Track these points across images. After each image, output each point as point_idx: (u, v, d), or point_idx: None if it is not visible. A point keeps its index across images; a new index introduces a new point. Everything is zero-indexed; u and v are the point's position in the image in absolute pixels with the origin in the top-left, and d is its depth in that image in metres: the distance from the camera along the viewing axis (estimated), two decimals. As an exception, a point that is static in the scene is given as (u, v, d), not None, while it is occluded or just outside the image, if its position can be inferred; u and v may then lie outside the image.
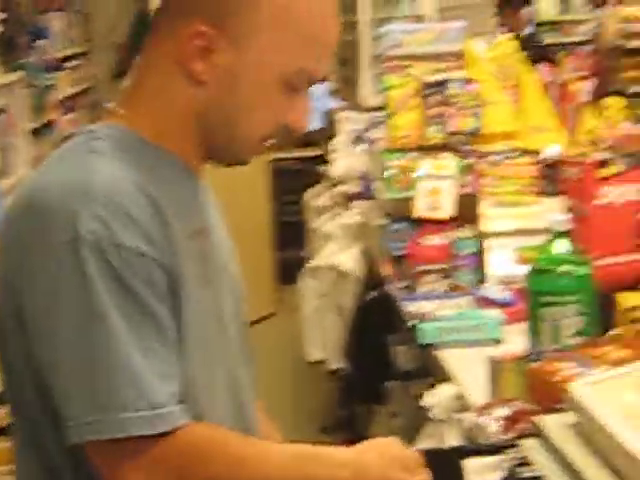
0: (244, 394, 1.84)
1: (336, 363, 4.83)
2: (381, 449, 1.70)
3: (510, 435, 2.04)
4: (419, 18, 6.00)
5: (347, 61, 6.54)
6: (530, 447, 1.90)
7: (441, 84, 3.84)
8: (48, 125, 5.89)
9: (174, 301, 1.59)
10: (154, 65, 1.68)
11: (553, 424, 1.91)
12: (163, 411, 1.52)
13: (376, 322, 3.96)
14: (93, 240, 1.50)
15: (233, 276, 1.84)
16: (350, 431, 5.16)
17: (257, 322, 6.26)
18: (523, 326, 2.47)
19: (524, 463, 1.85)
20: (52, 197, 1.55)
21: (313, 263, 5.21)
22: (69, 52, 6.96)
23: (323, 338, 5.01)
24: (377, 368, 3.93)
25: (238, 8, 1.61)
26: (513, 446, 1.93)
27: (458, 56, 4.17)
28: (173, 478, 1.55)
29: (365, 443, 1.72)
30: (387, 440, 1.74)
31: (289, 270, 6.64)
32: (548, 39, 10.01)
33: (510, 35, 4.88)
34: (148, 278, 1.54)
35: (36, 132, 5.51)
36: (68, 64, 6.88)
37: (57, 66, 6.39)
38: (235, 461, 1.60)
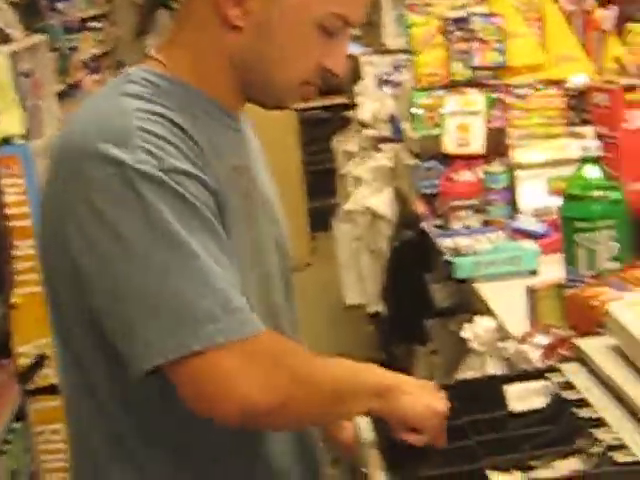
0: (285, 327, 1.87)
1: (374, 306, 4.85)
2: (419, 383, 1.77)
3: (551, 361, 2.05)
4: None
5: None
6: (572, 371, 1.91)
7: (463, 20, 3.83)
8: (74, 87, 5.88)
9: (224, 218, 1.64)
10: (192, 13, 1.71)
11: (593, 347, 1.92)
12: (247, 317, 1.57)
13: (412, 261, 3.96)
14: (143, 170, 1.53)
15: (276, 215, 1.87)
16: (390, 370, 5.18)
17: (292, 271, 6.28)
18: (558, 257, 2.48)
19: (567, 387, 1.86)
20: (91, 139, 1.58)
21: (346, 207, 5.20)
22: (90, 13, 6.94)
23: (360, 281, 5.02)
24: (415, 307, 3.94)
25: None
26: (555, 371, 1.94)
27: (481, -9, 4.16)
28: (262, 377, 1.56)
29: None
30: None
31: (322, 218, 6.65)
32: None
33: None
34: (201, 196, 1.58)
35: (62, 94, 5.49)
36: (90, 25, 6.86)
37: (79, 27, 6.37)
38: (307, 360, 1.68)
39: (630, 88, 2.61)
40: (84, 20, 6.57)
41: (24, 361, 3.61)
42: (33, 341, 3.68)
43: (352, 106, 5.93)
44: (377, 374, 1.75)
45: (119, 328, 1.57)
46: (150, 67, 1.72)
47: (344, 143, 5.93)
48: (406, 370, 4.54)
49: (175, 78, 1.70)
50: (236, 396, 1.54)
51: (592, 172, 2.29)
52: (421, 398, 1.70)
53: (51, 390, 3.75)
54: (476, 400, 1.86)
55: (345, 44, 1.73)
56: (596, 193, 2.28)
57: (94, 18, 7.00)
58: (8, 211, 3.52)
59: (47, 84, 5.04)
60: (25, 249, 3.66)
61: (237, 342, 1.53)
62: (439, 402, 1.71)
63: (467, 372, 2.60)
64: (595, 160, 2.30)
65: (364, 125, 5.40)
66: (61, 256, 1.62)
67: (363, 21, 1.79)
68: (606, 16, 3.86)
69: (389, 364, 5.29)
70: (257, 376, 1.55)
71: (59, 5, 5.97)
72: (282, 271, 1.88)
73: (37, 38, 4.96)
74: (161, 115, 1.60)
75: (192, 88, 1.71)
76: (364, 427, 1.77)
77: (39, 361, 3.73)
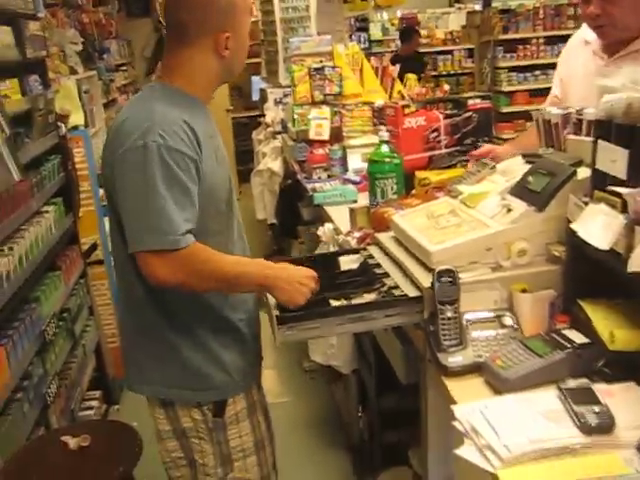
0: (244, 237, 1.86)
1: (272, 219, 4.84)
2: (291, 267, 1.69)
3: (362, 245, 2.06)
4: (308, 35, 5.84)
5: (271, 61, 6.39)
6: (373, 249, 1.93)
7: (320, 69, 3.79)
8: (111, 101, 5.71)
9: (198, 175, 1.61)
10: (196, 52, 1.68)
11: (384, 237, 1.93)
12: (184, 237, 1.54)
13: (291, 196, 3.96)
14: (155, 145, 1.53)
15: (228, 164, 1.83)
16: (280, 254, 5.20)
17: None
18: (366, 193, 2.47)
19: (370, 257, 1.88)
20: (132, 124, 1.58)
21: (257, 169, 5.16)
22: (121, 61, 6.70)
23: (264, 207, 5.00)
24: (293, 220, 3.94)
25: (232, 15, 1.66)
26: (364, 250, 1.95)
27: (329, 54, 4.13)
28: (183, 270, 1.56)
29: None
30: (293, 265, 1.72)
31: (245, 175, 6.59)
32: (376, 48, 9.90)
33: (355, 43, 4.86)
34: (186, 167, 1.57)
35: (105, 105, 5.34)
36: (121, 67, 6.64)
37: (115, 68, 6.17)
38: (216, 257, 1.62)
39: (405, 106, 2.62)
40: (117, 65, 6.34)
41: (85, 246, 3.54)
42: (89, 235, 3.63)
43: (262, 115, 5.86)
44: (261, 268, 1.67)
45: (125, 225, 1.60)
46: (165, 82, 1.70)
47: (257, 134, 5.86)
48: (288, 252, 4.61)
49: (180, 89, 1.68)
50: (157, 276, 1.55)
51: (385, 148, 2.30)
52: (287, 292, 1.61)
53: (99, 262, 3.71)
54: (324, 265, 1.87)
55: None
56: (387, 159, 2.28)
57: (123, 64, 6.77)
58: (76, 166, 3.44)
59: (97, 98, 4.91)
60: (85, 186, 3.59)
61: (167, 251, 1.53)
62: (300, 293, 1.62)
63: (319, 251, 2.61)
64: (386, 142, 2.30)
65: (268, 125, 5.35)
66: (112, 185, 1.62)
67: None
68: (394, 69, 3.87)
69: (279, 250, 5.32)
70: (168, 270, 1.54)
71: (104, 56, 5.78)
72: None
73: (92, 73, 4.81)
74: (173, 114, 1.60)
75: (189, 95, 1.69)
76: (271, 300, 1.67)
77: (93, 246, 3.66)
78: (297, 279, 1.63)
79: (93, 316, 3.53)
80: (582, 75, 2.29)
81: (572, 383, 1.31)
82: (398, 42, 9.95)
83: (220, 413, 1.76)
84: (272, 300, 1.64)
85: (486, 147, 2.45)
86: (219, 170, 1.70)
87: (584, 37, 2.30)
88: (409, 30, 8.62)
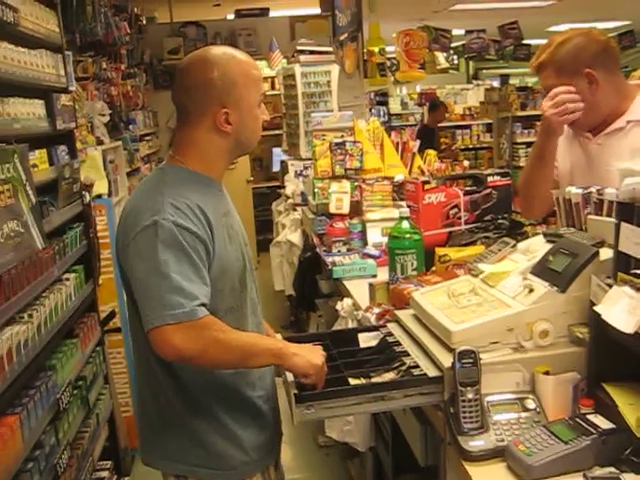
0: (259, 311, 1.84)
1: (289, 291, 4.82)
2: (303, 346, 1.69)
3: (381, 322, 2.05)
4: (329, 109, 5.95)
5: (292, 134, 6.50)
6: (392, 327, 1.91)
7: (341, 144, 3.83)
8: (135, 170, 5.81)
9: (209, 257, 1.62)
10: (199, 131, 1.69)
11: (403, 315, 1.92)
12: (200, 308, 1.55)
13: (310, 268, 3.95)
14: (166, 224, 1.55)
15: (246, 240, 1.85)
16: (297, 328, 5.17)
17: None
18: (386, 268, 2.46)
19: (390, 335, 1.86)
20: (143, 206, 1.61)
21: (276, 239, 5.19)
22: (146, 131, 6.85)
23: (283, 278, 4.99)
24: (311, 292, 3.92)
25: (230, 90, 1.67)
26: (383, 327, 1.93)
27: (350, 129, 4.18)
28: (202, 339, 1.55)
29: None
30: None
31: (265, 244, 6.62)
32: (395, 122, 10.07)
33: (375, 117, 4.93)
34: (194, 245, 1.58)
35: (129, 173, 5.43)
36: (145, 138, 6.79)
37: (139, 139, 6.31)
38: (229, 331, 1.60)
39: (425, 182, 2.62)
40: (142, 135, 6.48)
41: (103, 313, 3.55)
42: (108, 303, 3.65)
43: (282, 187, 5.92)
44: (275, 343, 1.69)
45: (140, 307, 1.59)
46: (175, 163, 1.71)
47: (277, 205, 5.91)
48: (305, 325, 4.58)
49: (190, 169, 1.70)
50: (176, 347, 1.53)
51: (405, 224, 2.31)
52: (304, 357, 1.61)
53: (117, 330, 3.71)
54: (342, 341, 1.86)
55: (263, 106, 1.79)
56: (407, 235, 2.29)
57: (147, 134, 6.92)
58: (98, 234, 3.48)
59: (121, 168, 5.00)
60: (105, 254, 3.62)
61: (182, 322, 1.52)
62: (316, 356, 1.62)
63: (338, 327, 2.59)
64: (407, 218, 2.32)
65: (287, 197, 5.40)
66: (126, 266, 1.65)
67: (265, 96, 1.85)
68: (414, 145, 3.91)
69: (296, 321, 5.29)
70: (186, 339, 1.52)
71: (130, 126, 5.93)
72: (253, 273, 1.86)
73: (117, 143, 4.92)
74: (184, 197, 1.62)
75: (200, 174, 1.71)
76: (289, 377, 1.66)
77: (111, 314, 3.67)
78: (312, 352, 1.65)
79: (108, 384, 3.50)
80: (570, 152, 2.37)
81: (599, 472, 1.27)
82: (417, 115, 10.15)
83: None
84: (290, 377, 1.62)
85: None
86: (231, 249, 1.71)
87: None
88: (437, 102, 8.80)
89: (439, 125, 8.73)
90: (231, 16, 8.27)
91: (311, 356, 1.62)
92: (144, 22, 7.97)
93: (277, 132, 7.78)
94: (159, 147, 7.56)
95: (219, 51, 1.70)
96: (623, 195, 1.38)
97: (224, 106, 1.65)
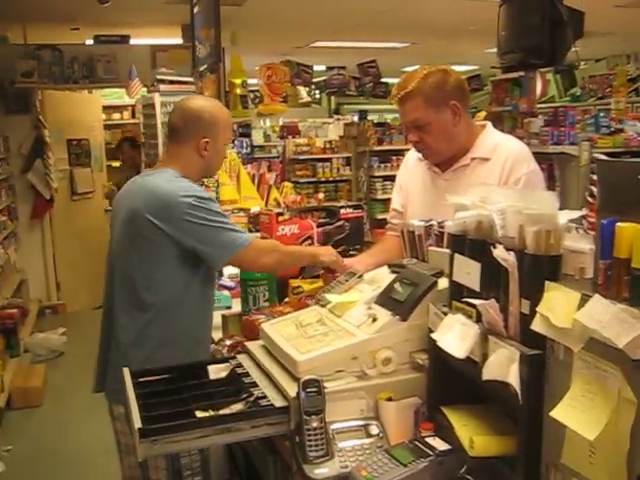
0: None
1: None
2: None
3: (232, 353, 2.04)
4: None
5: (151, 164, 6.36)
6: (242, 358, 1.91)
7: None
8: None
9: None
10: (185, 148, 2.32)
11: (254, 346, 1.92)
12: (250, 236, 2.27)
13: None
14: (192, 200, 2.16)
15: None
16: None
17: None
18: (239, 299, 2.47)
19: (239, 366, 1.85)
20: (175, 187, 2.20)
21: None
22: None
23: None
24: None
25: (213, 128, 2.30)
26: (233, 358, 1.92)
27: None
28: (267, 254, 2.24)
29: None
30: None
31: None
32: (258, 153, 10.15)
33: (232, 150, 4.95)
34: (216, 206, 2.23)
35: None
36: None
37: None
38: (282, 246, 2.36)
39: (279, 214, 2.67)
40: None
41: None
42: None
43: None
44: (311, 249, 2.52)
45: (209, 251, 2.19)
46: (165, 168, 2.30)
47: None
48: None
49: (179, 173, 2.28)
50: (260, 263, 2.22)
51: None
52: (326, 254, 2.37)
53: None
54: (191, 374, 1.83)
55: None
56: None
57: None
58: None
59: None
60: None
61: (249, 244, 2.18)
62: (330, 251, 2.40)
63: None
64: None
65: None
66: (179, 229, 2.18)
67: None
68: (270, 176, 3.97)
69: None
70: (264, 254, 2.23)
71: None
72: None
73: None
74: (189, 183, 2.25)
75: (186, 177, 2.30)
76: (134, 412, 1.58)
77: None
78: (327, 250, 2.43)
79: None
80: (421, 186, 2.49)
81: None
82: (279, 148, 10.28)
83: None
84: (136, 413, 1.57)
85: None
86: None
87: (417, 155, 2.48)
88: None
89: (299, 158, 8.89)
90: (90, 41, 8.03)
91: (330, 252, 2.41)
92: (-6, 42, 7.57)
93: (136, 161, 7.58)
94: (10, 174, 7.14)
95: (214, 102, 2.42)
96: (455, 228, 1.47)
97: (206, 136, 2.28)
